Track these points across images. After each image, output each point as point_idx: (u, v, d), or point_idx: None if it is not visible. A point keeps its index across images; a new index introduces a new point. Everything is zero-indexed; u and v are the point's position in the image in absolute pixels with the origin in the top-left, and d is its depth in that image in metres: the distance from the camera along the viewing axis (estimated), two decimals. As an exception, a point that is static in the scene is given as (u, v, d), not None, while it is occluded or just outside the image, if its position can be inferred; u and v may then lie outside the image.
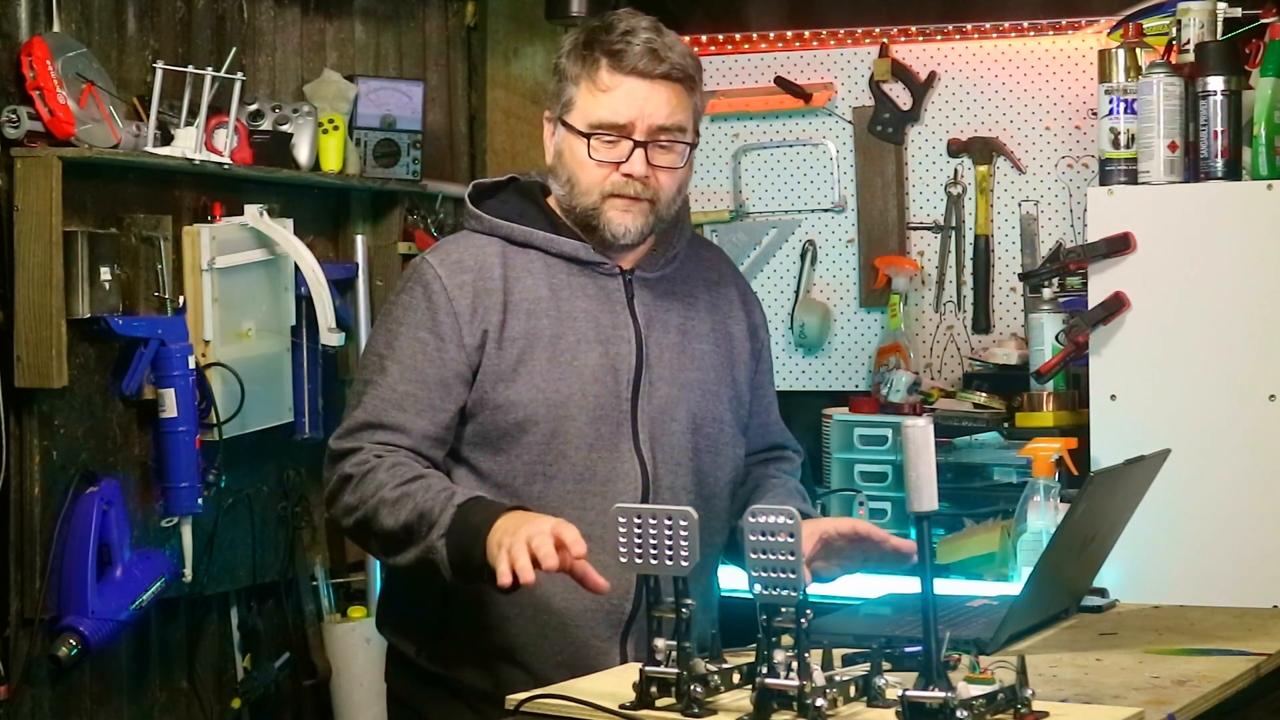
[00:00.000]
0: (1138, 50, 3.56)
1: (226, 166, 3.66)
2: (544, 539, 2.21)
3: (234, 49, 3.75)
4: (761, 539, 1.94)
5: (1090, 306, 3.50)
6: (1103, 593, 2.72)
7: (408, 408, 2.46)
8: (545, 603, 2.47)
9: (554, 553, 2.20)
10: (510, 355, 2.48)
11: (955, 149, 4.30)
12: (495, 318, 2.49)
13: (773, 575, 1.93)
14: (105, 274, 3.45)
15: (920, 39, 4.33)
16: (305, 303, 3.89)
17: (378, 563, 4.15)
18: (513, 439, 2.47)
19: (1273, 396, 3.35)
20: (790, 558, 1.92)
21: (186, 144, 3.55)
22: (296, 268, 3.85)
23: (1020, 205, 4.25)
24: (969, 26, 4.28)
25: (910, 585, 3.02)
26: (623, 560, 2.01)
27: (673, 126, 2.51)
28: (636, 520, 2.00)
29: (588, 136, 2.50)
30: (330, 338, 3.84)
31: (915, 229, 4.36)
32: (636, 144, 2.49)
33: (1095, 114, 3.63)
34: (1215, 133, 3.39)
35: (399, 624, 2.58)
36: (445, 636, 2.51)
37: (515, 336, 2.49)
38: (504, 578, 2.21)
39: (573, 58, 2.53)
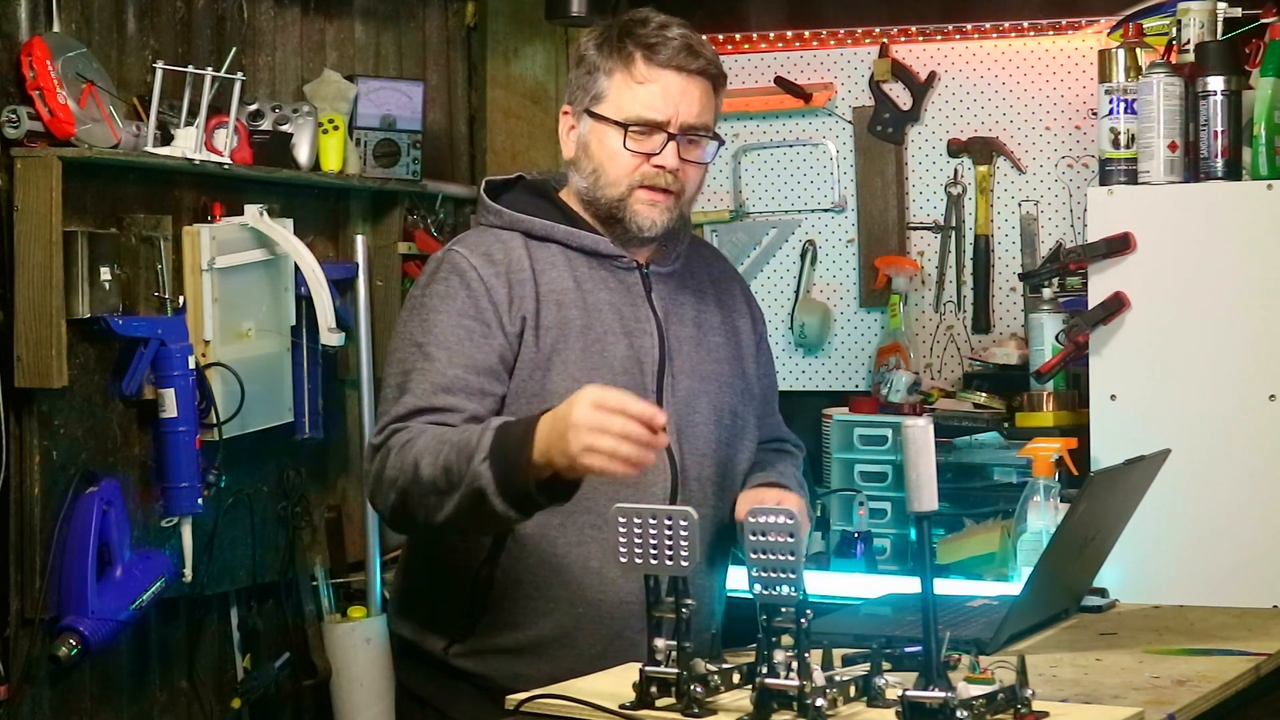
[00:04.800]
0: (1138, 50, 3.56)
1: (226, 166, 3.66)
2: (604, 419, 2.19)
3: (234, 49, 3.75)
4: (761, 539, 1.94)
5: (1090, 306, 3.50)
6: (1103, 593, 2.72)
7: (457, 391, 2.43)
8: (580, 595, 2.48)
9: (625, 421, 2.19)
10: (545, 344, 2.48)
11: (955, 149, 4.30)
12: (531, 306, 2.49)
13: (773, 575, 1.93)
14: (105, 274, 3.45)
15: (920, 39, 4.33)
16: (305, 303, 3.89)
17: (379, 562, 4.16)
18: None
19: (1273, 396, 3.35)
20: (790, 558, 1.92)
21: (186, 144, 3.55)
22: (296, 268, 3.85)
23: (1020, 205, 4.25)
24: (969, 26, 4.28)
25: (910, 585, 3.03)
26: (622, 560, 2.01)
27: (702, 124, 2.54)
28: (636, 520, 2.00)
29: (624, 127, 2.51)
30: (330, 338, 3.84)
31: (915, 229, 4.36)
32: (670, 136, 2.51)
33: (1095, 114, 3.63)
34: (1215, 133, 3.39)
35: (422, 621, 2.56)
36: (475, 633, 2.51)
37: (549, 326, 2.49)
38: (609, 467, 2.18)
39: (604, 50, 2.54)
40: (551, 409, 2.28)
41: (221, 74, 3.64)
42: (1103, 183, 3.54)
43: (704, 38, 2.59)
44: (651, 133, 2.52)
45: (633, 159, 2.52)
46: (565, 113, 2.61)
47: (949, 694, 1.85)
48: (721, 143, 2.60)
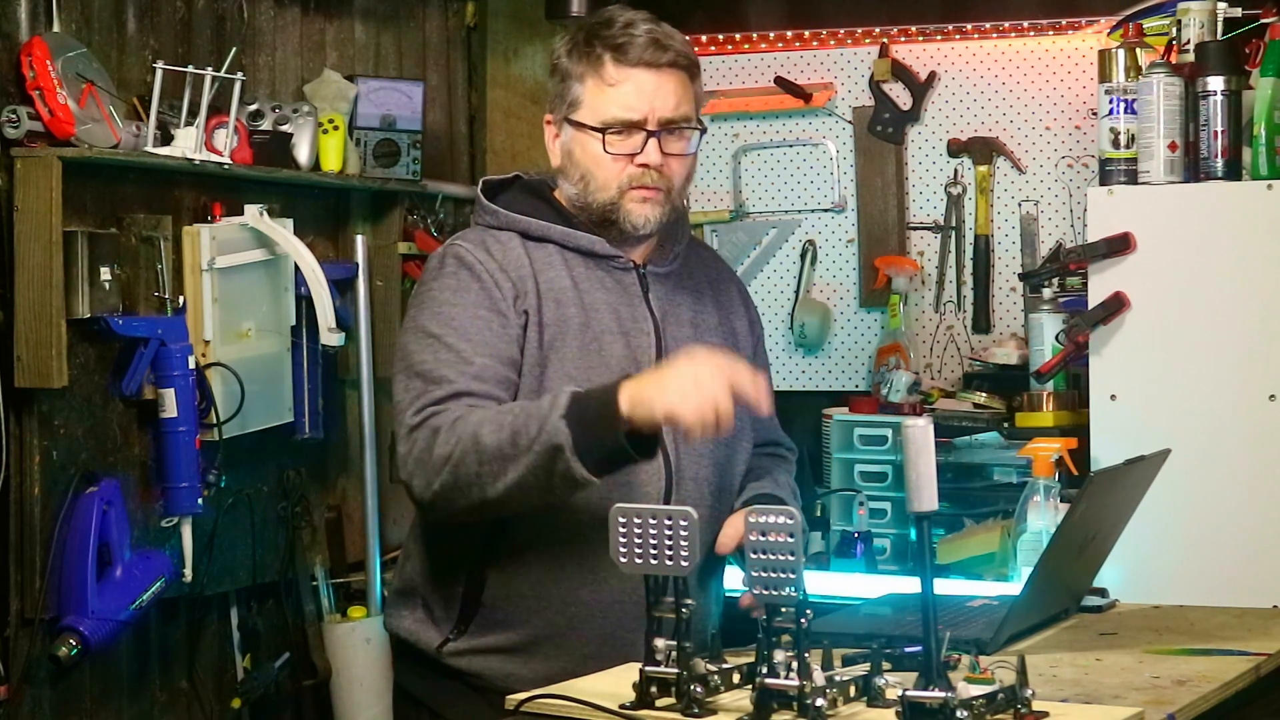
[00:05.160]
0: (1138, 50, 3.56)
1: (226, 166, 3.66)
2: (709, 375, 2.24)
3: (234, 49, 3.75)
4: (761, 539, 1.93)
5: (1090, 306, 3.50)
6: (1103, 593, 2.72)
7: (488, 380, 2.42)
8: (573, 594, 2.48)
9: (726, 390, 2.23)
10: (545, 341, 2.48)
11: (955, 149, 4.30)
12: (532, 302, 2.49)
13: (773, 575, 1.93)
14: (105, 274, 3.45)
15: (920, 39, 4.33)
16: (305, 303, 3.89)
17: (379, 562, 4.16)
18: None
19: (1273, 396, 3.35)
20: (790, 558, 1.92)
21: (186, 144, 3.55)
22: (296, 268, 3.85)
23: (1020, 205, 4.25)
24: (969, 26, 4.28)
25: (910, 585, 3.02)
26: (622, 560, 2.01)
27: (681, 115, 2.54)
28: (636, 520, 1.99)
29: (602, 131, 2.51)
30: (330, 338, 3.84)
31: (915, 229, 4.36)
32: (650, 134, 2.51)
33: (1095, 114, 3.63)
34: (1215, 133, 3.39)
35: (417, 620, 2.56)
36: (468, 632, 2.51)
37: (549, 323, 2.49)
38: (689, 415, 2.22)
39: (574, 56, 2.55)
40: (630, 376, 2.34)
41: (221, 74, 3.64)
42: (1103, 183, 3.54)
43: (672, 29, 2.57)
44: (630, 133, 2.51)
45: (616, 162, 2.52)
46: (548, 122, 2.62)
47: (949, 694, 1.85)
48: (704, 130, 2.60)
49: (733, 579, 2.63)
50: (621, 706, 1.98)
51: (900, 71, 4.33)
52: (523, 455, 2.30)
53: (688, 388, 2.23)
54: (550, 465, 2.28)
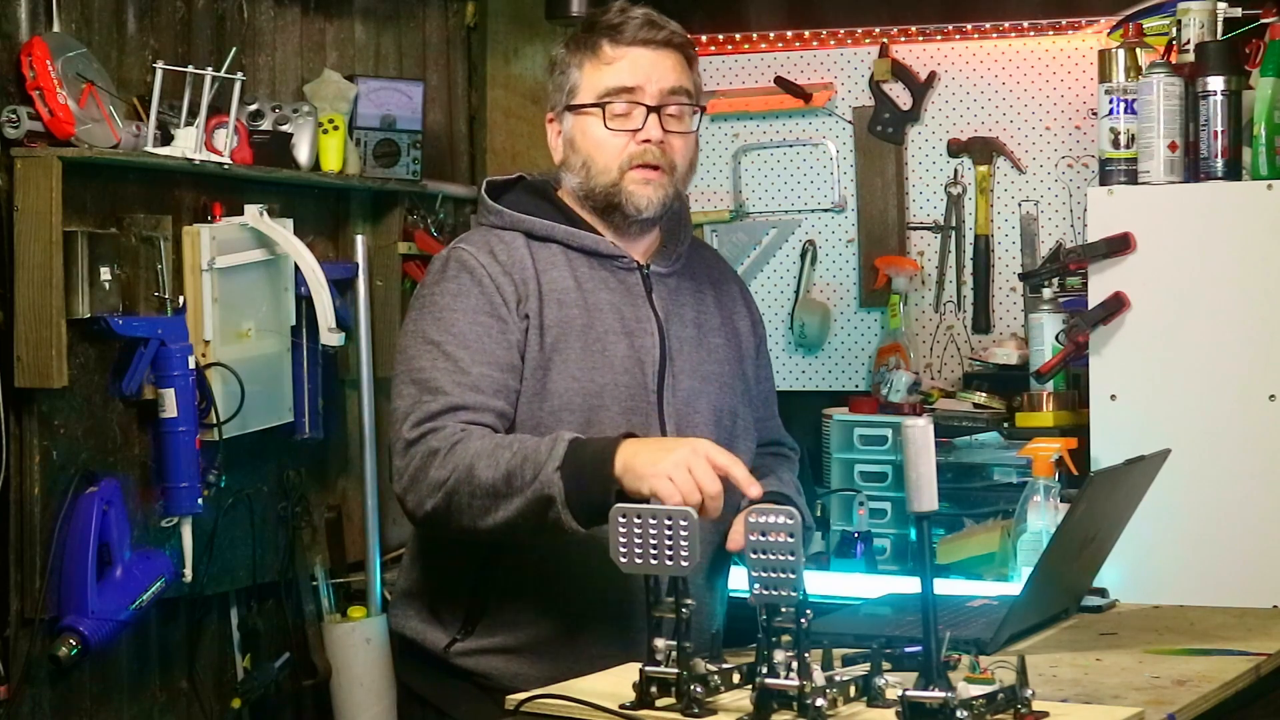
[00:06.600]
0: (1138, 50, 3.56)
1: (226, 166, 3.66)
2: (703, 465, 2.24)
3: (234, 49, 3.74)
4: (761, 539, 1.94)
5: (1090, 306, 3.50)
6: (1103, 593, 2.72)
7: (485, 389, 2.43)
8: (580, 595, 2.48)
9: (717, 480, 2.23)
10: (547, 344, 2.49)
11: (955, 149, 4.30)
12: (534, 304, 2.50)
13: (773, 575, 1.93)
14: (105, 274, 3.45)
15: (920, 39, 4.33)
16: (305, 303, 3.89)
17: (379, 562, 4.15)
18: (547, 429, 2.44)
19: (1273, 396, 3.35)
20: (790, 558, 1.92)
21: (186, 144, 3.55)
22: (296, 268, 3.85)
23: (1020, 205, 4.25)
24: (969, 26, 4.28)
25: (910, 585, 3.03)
26: (622, 560, 2.01)
27: (680, 89, 2.56)
28: (636, 520, 1.99)
29: (601, 107, 2.53)
30: (330, 338, 3.84)
31: (915, 229, 4.36)
32: (650, 109, 2.52)
33: (1095, 114, 3.63)
34: (1215, 133, 3.39)
35: (424, 619, 2.56)
36: (476, 632, 2.51)
37: (550, 325, 2.50)
38: (673, 497, 2.22)
39: (571, 47, 2.60)
40: (632, 434, 2.33)
41: (221, 74, 3.63)
42: (1103, 183, 3.54)
43: (667, 17, 2.60)
44: (630, 110, 2.53)
45: (616, 139, 2.53)
46: (550, 120, 2.65)
47: (949, 694, 1.85)
48: (703, 110, 2.61)
49: (736, 578, 2.63)
50: (621, 706, 1.98)
51: (900, 71, 4.33)
52: (515, 497, 2.31)
53: (679, 473, 2.24)
54: (541, 512, 2.30)
